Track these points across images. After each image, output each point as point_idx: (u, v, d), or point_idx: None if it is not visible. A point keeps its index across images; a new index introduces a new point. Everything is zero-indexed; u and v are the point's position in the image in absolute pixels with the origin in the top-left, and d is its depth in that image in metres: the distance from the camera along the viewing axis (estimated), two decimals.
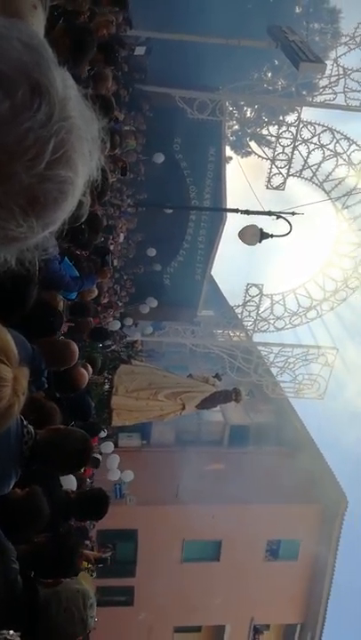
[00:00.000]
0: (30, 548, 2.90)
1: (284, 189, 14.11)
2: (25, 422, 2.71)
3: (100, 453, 10.45)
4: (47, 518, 2.82)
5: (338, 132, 13.75)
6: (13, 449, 2.60)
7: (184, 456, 16.58)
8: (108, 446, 10.85)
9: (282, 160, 13.91)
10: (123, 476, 12.01)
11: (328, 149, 13.80)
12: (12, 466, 2.65)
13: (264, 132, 14.43)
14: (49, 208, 0.71)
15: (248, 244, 12.84)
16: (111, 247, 10.72)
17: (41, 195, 0.69)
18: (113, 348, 10.03)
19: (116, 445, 11.82)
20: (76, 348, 4.05)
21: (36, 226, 0.71)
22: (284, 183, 14.06)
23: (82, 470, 6.78)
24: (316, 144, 13.83)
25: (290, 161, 13.90)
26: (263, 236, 12.39)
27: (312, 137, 13.77)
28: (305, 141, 13.80)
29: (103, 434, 9.80)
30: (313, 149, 13.87)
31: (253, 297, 15.12)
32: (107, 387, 8.67)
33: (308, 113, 13.84)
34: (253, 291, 15.10)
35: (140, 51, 12.21)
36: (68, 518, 4.16)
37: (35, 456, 2.73)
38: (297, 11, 21.28)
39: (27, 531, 2.90)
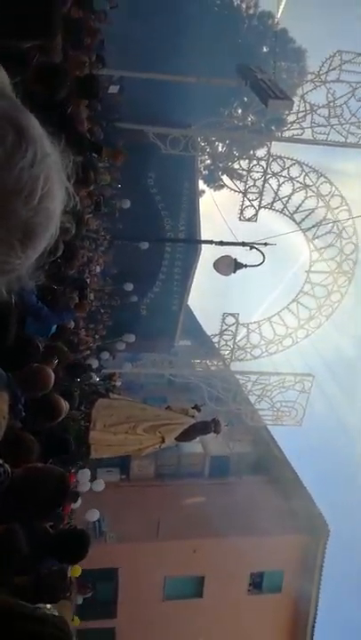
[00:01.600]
0: (9, 591, 2.83)
1: (256, 221, 14.40)
2: (0, 461, 2.67)
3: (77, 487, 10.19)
4: (24, 557, 2.77)
5: (306, 165, 14.16)
6: None
7: (164, 490, 16.35)
8: (89, 481, 10.59)
9: (253, 193, 14.22)
10: (88, 515, 11.57)
11: (298, 182, 14.18)
12: None
13: (235, 166, 14.74)
14: (40, 238, 0.78)
15: (223, 274, 13.04)
16: (88, 281, 10.75)
17: (35, 227, 0.75)
18: (90, 381, 9.94)
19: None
20: (50, 371, 4.03)
21: (30, 256, 0.78)
22: (256, 215, 14.36)
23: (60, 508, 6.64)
24: (285, 177, 14.19)
25: (261, 193, 14.22)
26: (237, 266, 12.63)
27: (282, 170, 14.14)
28: (275, 174, 14.17)
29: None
30: (283, 182, 14.24)
31: (230, 326, 15.24)
32: (83, 422, 8.53)
33: (277, 147, 14.24)
34: (230, 320, 15.22)
35: (113, 89, 12.46)
36: (46, 558, 4.07)
37: (10, 495, 2.69)
38: (264, 50, 22.16)
39: (3, 569, 2.84)
